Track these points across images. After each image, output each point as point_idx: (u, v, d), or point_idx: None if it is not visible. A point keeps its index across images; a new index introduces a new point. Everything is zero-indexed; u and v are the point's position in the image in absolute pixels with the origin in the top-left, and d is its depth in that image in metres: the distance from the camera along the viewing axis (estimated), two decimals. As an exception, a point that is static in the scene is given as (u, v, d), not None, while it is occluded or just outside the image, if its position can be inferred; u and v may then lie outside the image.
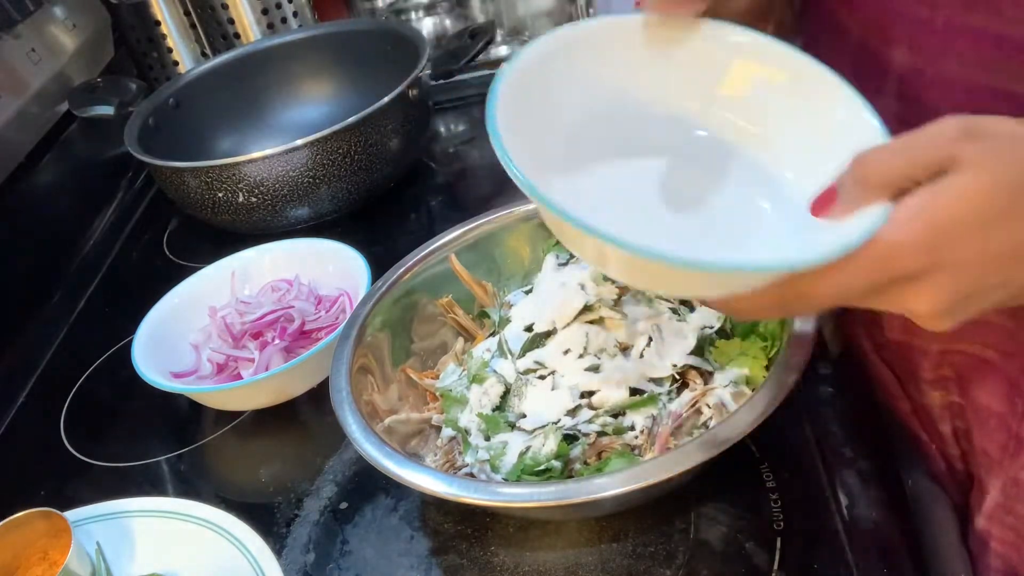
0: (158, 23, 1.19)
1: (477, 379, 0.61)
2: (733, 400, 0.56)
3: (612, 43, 0.48)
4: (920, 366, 0.62)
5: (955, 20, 0.47)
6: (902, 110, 0.51)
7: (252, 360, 0.75)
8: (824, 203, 0.40)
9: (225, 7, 1.15)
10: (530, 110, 0.44)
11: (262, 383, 0.71)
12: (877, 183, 0.37)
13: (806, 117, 0.46)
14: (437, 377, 0.66)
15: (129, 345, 0.75)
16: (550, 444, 0.55)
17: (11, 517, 0.60)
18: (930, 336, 0.59)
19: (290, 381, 0.72)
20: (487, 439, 0.58)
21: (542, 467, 0.54)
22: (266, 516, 0.64)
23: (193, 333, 0.80)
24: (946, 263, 0.36)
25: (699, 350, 0.60)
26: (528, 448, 0.55)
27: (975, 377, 0.59)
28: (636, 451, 0.56)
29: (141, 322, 0.77)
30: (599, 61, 0.48)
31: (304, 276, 0.82)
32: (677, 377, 0.58)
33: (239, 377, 0.75)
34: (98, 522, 0.65)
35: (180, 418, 0.77)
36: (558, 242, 0.70)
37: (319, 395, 0.73)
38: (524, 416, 0.58)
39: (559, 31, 0.48)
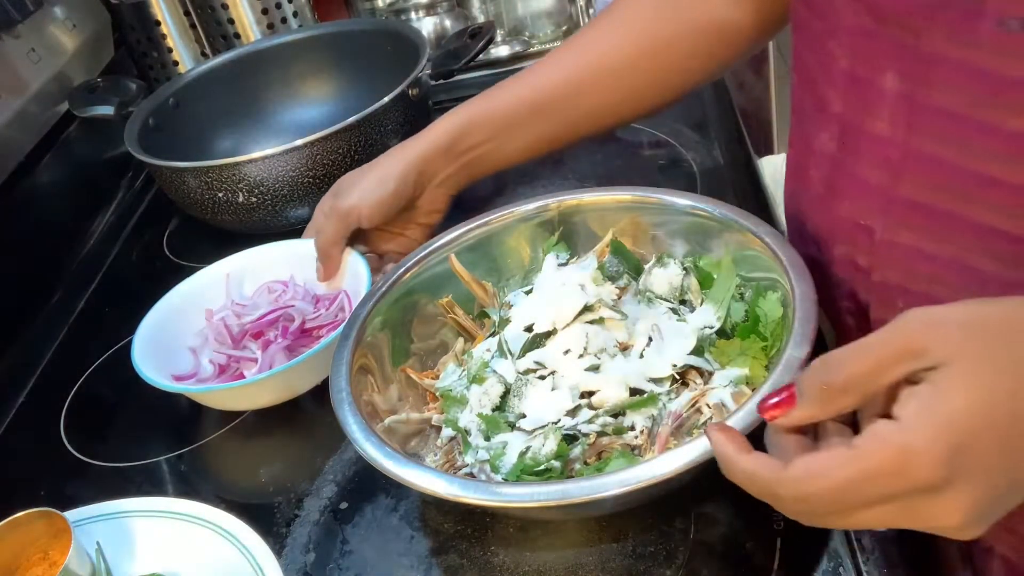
0: (158, 23, 1.19)
1: (477, 379, 0.61)
2: (733, 400, 0.56)
3: None
4: None
5: (937, 49, 0.46)
6: (894, 136, 0.51)
7: (255, 360, 0.75)
8: (782, 406, 0.38)
9: (225, 7, 1.15)
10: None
11: (266, 382, 0.71)
12: (843, 387, 0.36)
13: None
14: (437, 377, 0.66)
15: (129, 345, 0.75)
16: (550, 444, 0.55)
17: (11, 517, 0.60)
18: None
19: (294, 379, 0.72)
20: (487, 439, 0.58)
21: (542, 467, 0.54)
22: (266, 516, 0.64)
23: (191, 337, 0.80)
24: (968, 471, 0.33)
25: (699, 350, 0.60)
26: (528, 448, 0.55)
27: None
28: (636, 451, 0.56)
29: (139, 325, 0.77)
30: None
31: (300, 277, 0.82)
32: (677, 377, 0.58)
33: (242, 377, 0.75)
34: (98, 522, 0.65)
35: (180, 418, 0.77)
36: (558, 242, 0.70)
37: (320, 395, 0.73)
38: (524, 416, 0.58)
39: None
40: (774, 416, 0.39)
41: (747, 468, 0.40)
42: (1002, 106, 0.45)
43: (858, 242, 0.57)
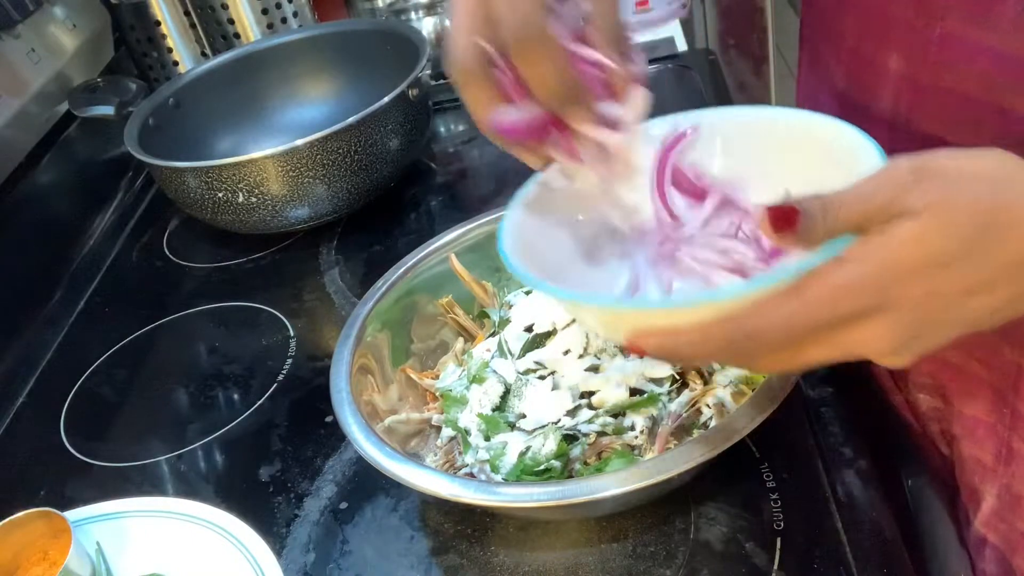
0: (158, 23, 1.19)
1: (477, 379, 0.61)
2: (733, 400, 0.56)
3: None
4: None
5: (952, 31, 0.46)
6: (896, 116, 0.52)
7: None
8: (783, 222, 0.37)
9: (225, 7, 1.15)
10: (532, 237, 0.49)
11: None
12: (834, 225, 0.37)
13: (803, 162, 0.46)
14: (437, 377, 0.66)
15: (129, 345, 0.75)
16: (550, 444, 0.55)
17: (11, 517, 0.60)
18: None
19: None
20: (487, 439, 0.58)
21: (542, 467, 0.54)
22: (266, 516, 0.64)
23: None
24: (895, 301, 0.37)
25: (699, 350, 0.59)
26: (528, 448, 0.55)
27: (960, 389, 0.59)
28: (636, 451, 0.56)
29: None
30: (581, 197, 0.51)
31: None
32: (677, 377, 0.58)
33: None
34: (98, 522, 0.65)
35: (180, 418, 0.77)
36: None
37: (316, 394, 0.73)
38: (524, 416, 0.58)
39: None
40: (779, 229, 0.37)
41: (692, 334, 0.40)
42: (1018, 89, 0.45)
43: None
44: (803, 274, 0.37)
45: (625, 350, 0.42)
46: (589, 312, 0.44)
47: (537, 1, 0.45)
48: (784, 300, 0.37)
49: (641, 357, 0.42)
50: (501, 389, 0.60)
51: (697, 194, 0.50)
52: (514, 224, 0.49)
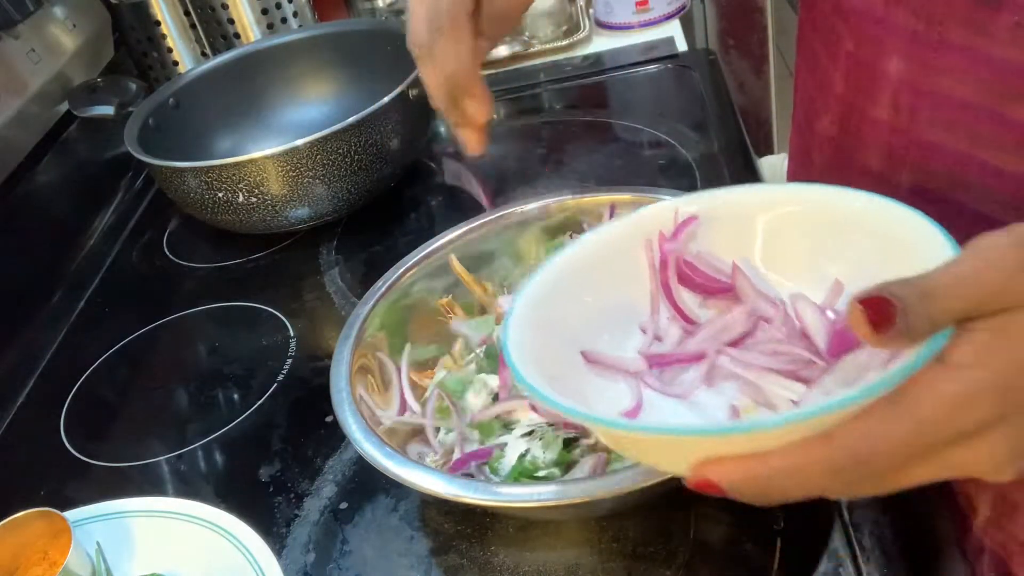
0: (158, 23, 1.19)
1: (478, 373, 0.61)
2: (733, 400, 0.56)
3: (612, 255, 0.47)
4: None
5: (951, 37, 0.46)
6: (896, 122, 0.52)
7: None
8: (882, 319, 0.31)
9: (225, 7, 1.15)
10: (543, 331, 0.44)
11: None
12: (938, 318, 0.31)
13: (856, 250, 0.42)
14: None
15: (129, 345, 0.75)
16: (551, 453, 0.55)
17: (11, 517, 0.60)
18: None
19: None
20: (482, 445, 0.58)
21: (542, 473, 0.54)
22: (266, 516, 0.64)
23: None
24: (1016, 409, 0.32)
25: (699, 350, 0.59)
26: (527, 451, 0.55)
27: None
28: (636, 451, 0.56)
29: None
30: (604, 274, 0.47)
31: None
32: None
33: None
34: (98, 522, 0.65)
35: (180, 418, 0.77)
36: (559, 243, 0.70)
37: (316, 394, 0.73)
38: (520, 422, 0.58)
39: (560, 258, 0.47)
40: (880, 327, 0.31)
41: (785, 462, 0.34)
42: (1015, 96, 0.45)
43: None
44: (909, 381, 0.31)
45: (690, 485, 0.35)
46: (637, 440, 0.37)
47: None
48: (895, 416, 0.32)
49: (710, 495, 0.35)
50: (493, 388, 0.60)
51: (712, 289, 0.46)
52: (520, 322, 0.43)
